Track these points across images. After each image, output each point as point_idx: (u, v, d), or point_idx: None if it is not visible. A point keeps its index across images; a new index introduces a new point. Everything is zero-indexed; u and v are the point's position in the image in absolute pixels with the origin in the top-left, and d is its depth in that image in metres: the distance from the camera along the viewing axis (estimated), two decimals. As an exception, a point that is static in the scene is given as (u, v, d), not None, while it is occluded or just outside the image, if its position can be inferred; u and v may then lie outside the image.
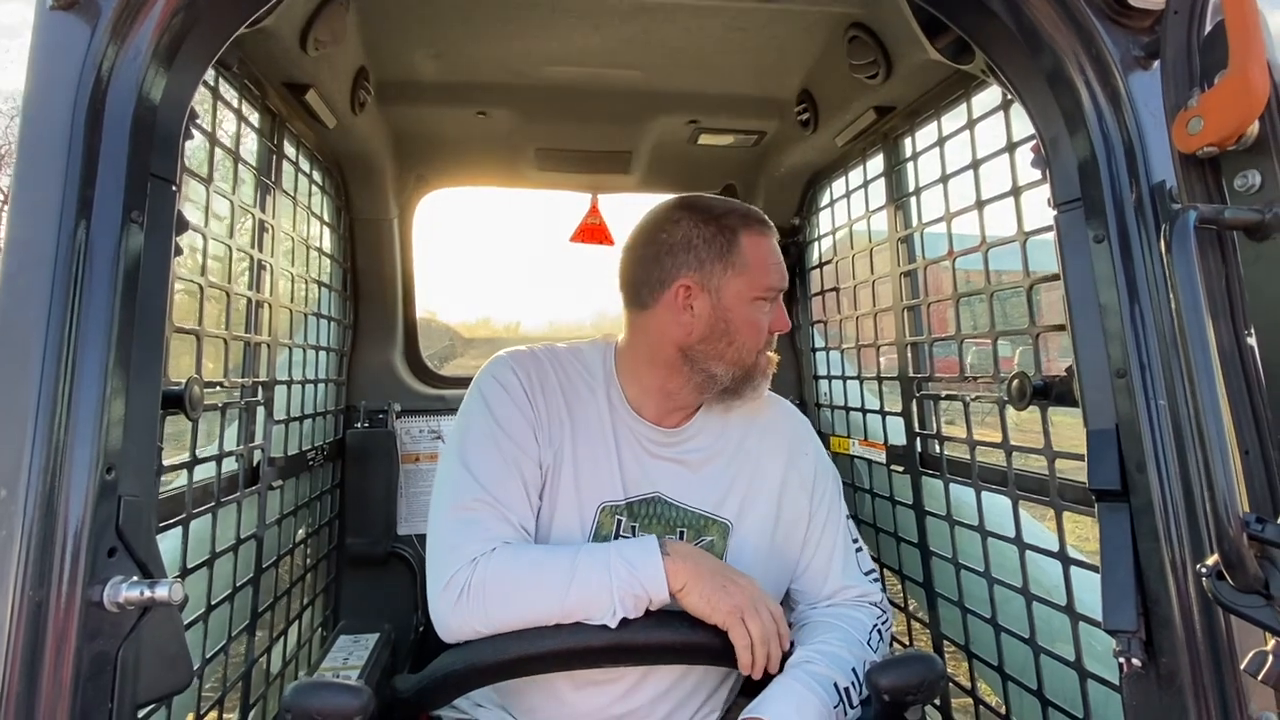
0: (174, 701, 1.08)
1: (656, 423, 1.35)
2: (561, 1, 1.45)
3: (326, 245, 1.96)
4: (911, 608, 1.87)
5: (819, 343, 2.30)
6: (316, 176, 1.86)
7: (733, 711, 1.35)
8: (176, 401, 1.06)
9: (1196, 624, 0.87)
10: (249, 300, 1.48)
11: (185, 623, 0.96)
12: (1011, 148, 1.33)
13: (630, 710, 1.26)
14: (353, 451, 2.11)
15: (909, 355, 1.77)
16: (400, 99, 1.84)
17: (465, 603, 1.14)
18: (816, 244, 2.27)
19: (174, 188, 0.93)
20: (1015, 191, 1.32)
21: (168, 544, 1.07)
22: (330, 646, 1.77)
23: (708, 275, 1.29)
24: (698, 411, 1.39)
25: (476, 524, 1.20)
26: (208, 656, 1.26)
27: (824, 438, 1.54)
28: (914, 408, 1.75)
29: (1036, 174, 1.16)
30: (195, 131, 1.03)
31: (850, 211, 2.00)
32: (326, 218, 1.96)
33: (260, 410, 1.51)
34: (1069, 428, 1.23)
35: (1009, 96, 1.28)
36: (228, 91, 1.33)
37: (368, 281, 2.22)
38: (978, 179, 1.45)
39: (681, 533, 1.32)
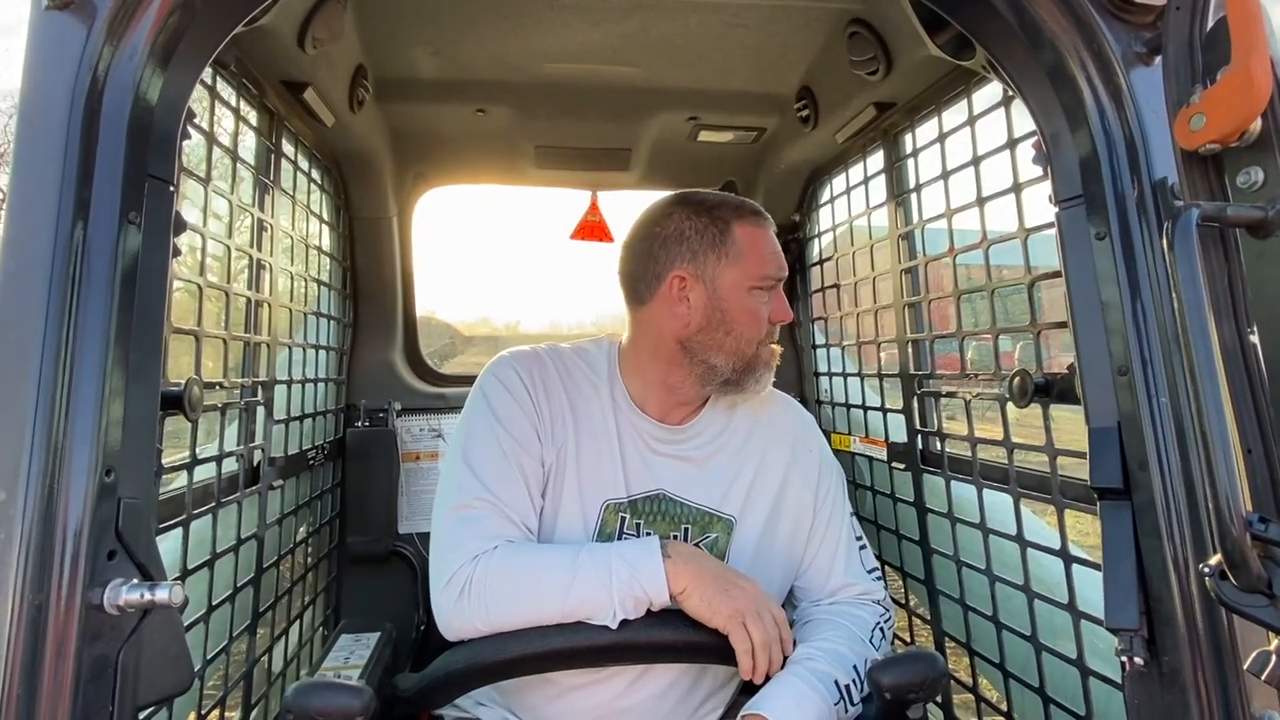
0: (175, 702, 1.08)
1: (660, 419, 1.35)
2: None
3: (326, 244, 1.96)
4: (912, 604, 1.87)
5: (819, 339, 2.30)
6: (315, 175, 1.86)
7: (737, 707, 1.36)
8: (176, 402, 1.06)
9: (1199, 622, 0.86)
10: (248, 300, 1.48)
11: (186, 623, 0.96)
12: (1012, 144, 1.32)
13: (632, 706, 1.26)
14: (353, 450, 2.11)
15: (910, 352, 1.77)
16: (399, 97, 1.84)
17: (466, 600, 1.15)
18: (817, 240, 2.26)
19: (171, 188, 0.92)
20: (1016, 188, 1.31)
21: (168, 544, 1.07)
22: (332, 646, 1.77)
23: (701, 265, 1.30)
24: (703, 408, 1.39)
25: (478, 522, 1.20)
26: (209, 657, 1.26)
27: (824, 435, 1.54)
28: (915, 404, 1.75)
29: (1038, 170, 1.16)
30: (193, 131, 1.03)
31: (851, 208, 2.00)
32: (326, 216, 1.96)
33: (260, 410, 1.51)
34: (1068, 423, 1.23)
35: (1010, 93, 1.27)
36: (225, 90, 1.32)
37: (367, 280, 2.22)
38: (978, 175, 1.44)
39: (686, 530, 1.32)
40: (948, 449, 1.65)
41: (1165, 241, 0.78)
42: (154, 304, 0.89)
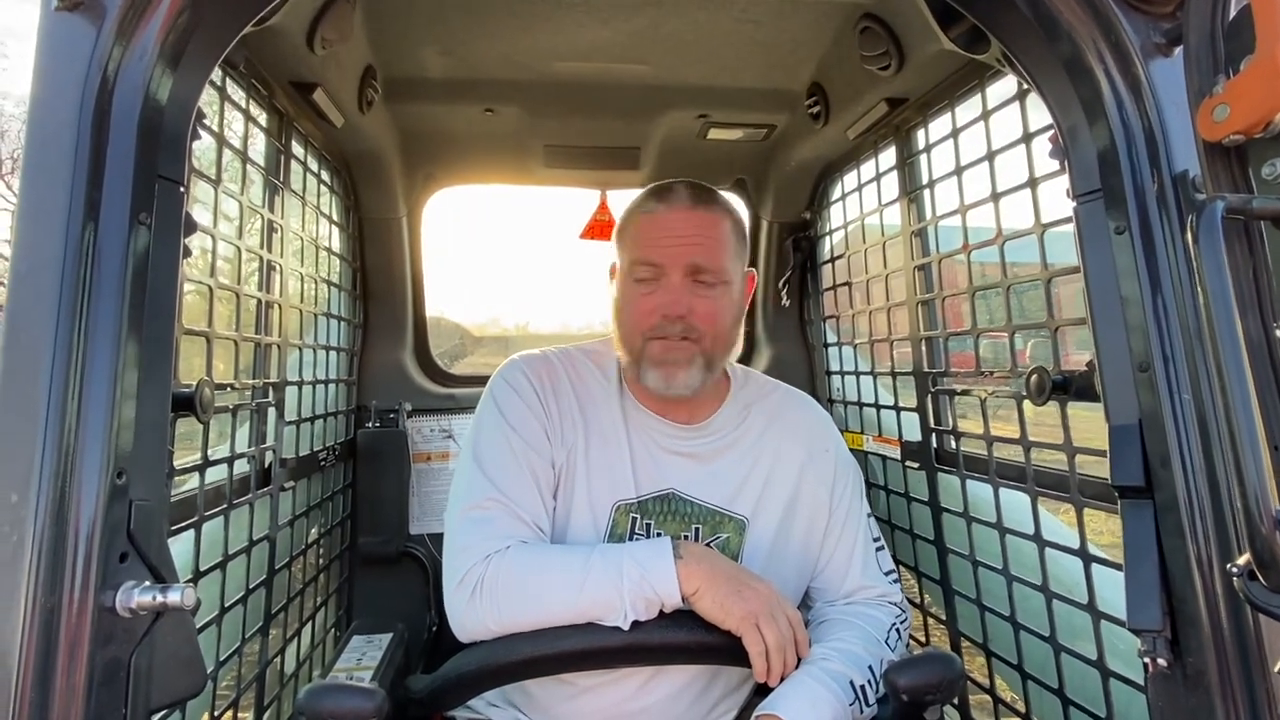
0: (188, 705, 1.07)
1: (663, 415, 1.35)
2: None
3: (336, 245, 1.96)
4: (927, 604, 1.86)
5: (831, 338, 2.28)
6: (325, 176, 1.86)
7: (751, 708, 1.34)
8: (187, 404, 1.06)
9: (1224, 623, 0.85)
10: (259, 301, 1.48)
11: (199, 625, 0.95)
12: (1028, 138, 1.30)
13: (645, 707, 1.25)
14: (364, 451, 2.11)
15: (923, 350, 1.75)
16: (408, 97, 1.84)
17: (478, 600, 1.14)
18: (828, 238, 2.25)
19: (182, 189, 0.92)
20: (1032, 183, 1.30)
21: (180, 546, 1.06)
22: (344, 647, 1.77)
23: (616, 255, 1.34)
24: (721, 406, 1.39)
25: (490, 522, 1.20)
26: (221, 659, 1.25)
27: (837, 434, 1.52)
28: (929, 403, 1.74)
29: (1054, 165, 1.14)
30: (202, 132, 1.03)
31: (862, 205, 1.98)
32: (335, 217, 1.96)
33: (271, 411, 1.51)
34: (1084, 420, 1.21)
35: (1025, 86, 1.26)
36: (235, 91, 1.32)
37: (377, 281, 2.22)
38: (993, 171, 1.43)
39: (697, 529, 1.31)
40: (963, 448, 1.63)
41: (1189, 235, 0.76)
42: (165, 305, 0.89)
